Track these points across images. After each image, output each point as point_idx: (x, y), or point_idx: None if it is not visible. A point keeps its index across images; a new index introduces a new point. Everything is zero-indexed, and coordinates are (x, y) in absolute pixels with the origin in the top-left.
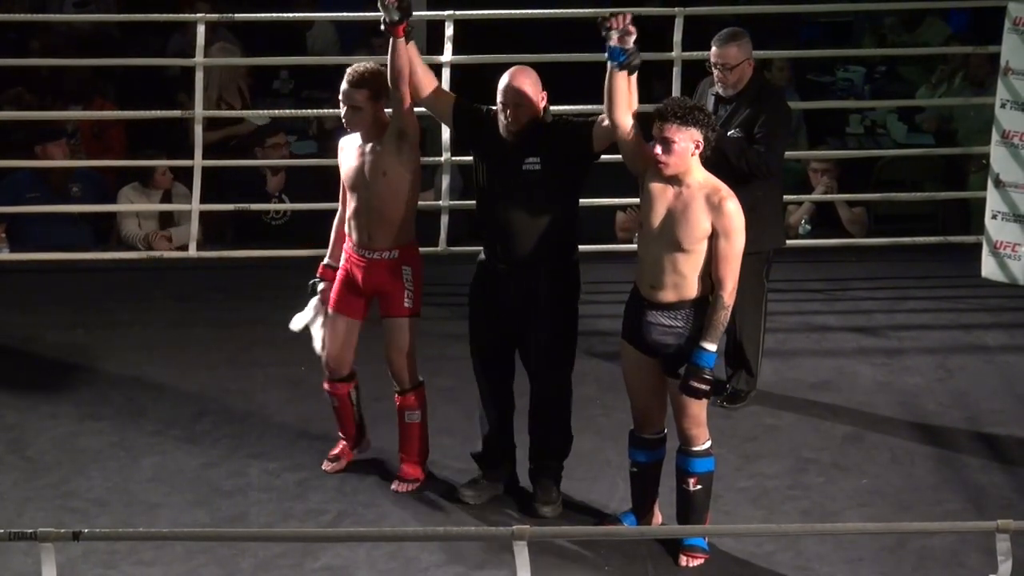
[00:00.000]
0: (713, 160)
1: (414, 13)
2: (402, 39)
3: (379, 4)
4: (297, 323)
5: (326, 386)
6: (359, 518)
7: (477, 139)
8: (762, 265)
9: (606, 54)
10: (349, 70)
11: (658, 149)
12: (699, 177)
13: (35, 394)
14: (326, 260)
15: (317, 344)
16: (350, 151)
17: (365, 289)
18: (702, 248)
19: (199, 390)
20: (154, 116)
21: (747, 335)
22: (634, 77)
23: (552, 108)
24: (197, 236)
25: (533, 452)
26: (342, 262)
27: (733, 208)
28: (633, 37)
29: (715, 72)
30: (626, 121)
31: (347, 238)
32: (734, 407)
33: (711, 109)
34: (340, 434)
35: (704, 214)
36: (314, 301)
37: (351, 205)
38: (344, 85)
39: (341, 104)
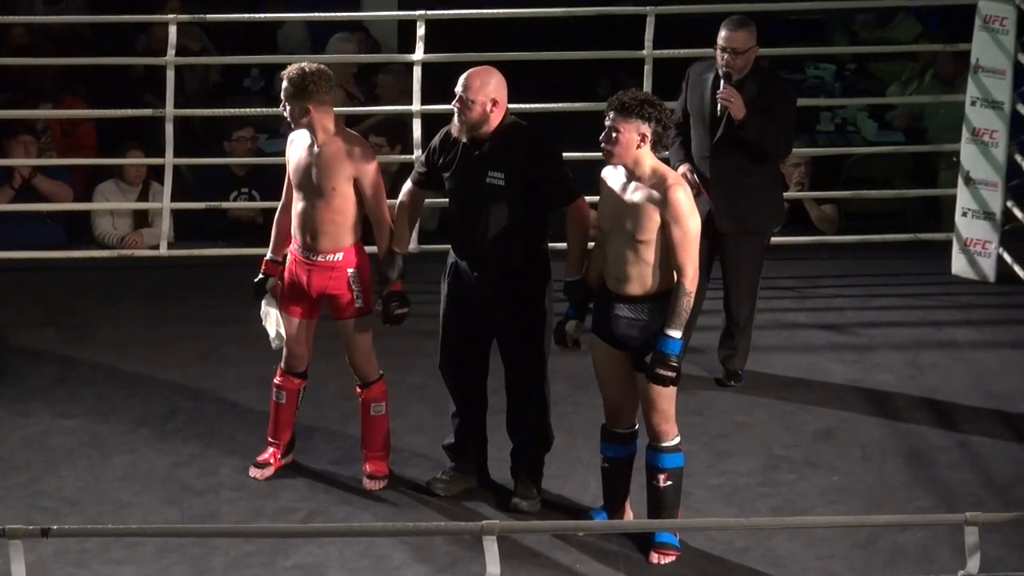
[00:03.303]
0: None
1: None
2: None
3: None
4: (273, 334)
5: (278, 380)
6: (330, 516)
7: (445, 157)
8: (762, 246)
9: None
10: (283, 75)
11: (604, 137)
12: (648, 170)
13: (5, 393)
14: (268, 255)
15: (271, 333)
16: (300, 147)
17: (312, 292)
18: (657, 238)
19: (170, 388)
20: (126, 115)
21: (744, 317)
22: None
23: (524, 107)
24: (169, 235)
25: (513, 448)
26: (287, 261)
27: (679, 196)
28: None
29: (722, 56)
30: None
31: (292, 237)
32: (739, 383)
33: (710, 91)
34: (271, 439)
35: (653, 205)
36: (268, 300)
37: (297, 204)
38: (281, 92)
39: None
